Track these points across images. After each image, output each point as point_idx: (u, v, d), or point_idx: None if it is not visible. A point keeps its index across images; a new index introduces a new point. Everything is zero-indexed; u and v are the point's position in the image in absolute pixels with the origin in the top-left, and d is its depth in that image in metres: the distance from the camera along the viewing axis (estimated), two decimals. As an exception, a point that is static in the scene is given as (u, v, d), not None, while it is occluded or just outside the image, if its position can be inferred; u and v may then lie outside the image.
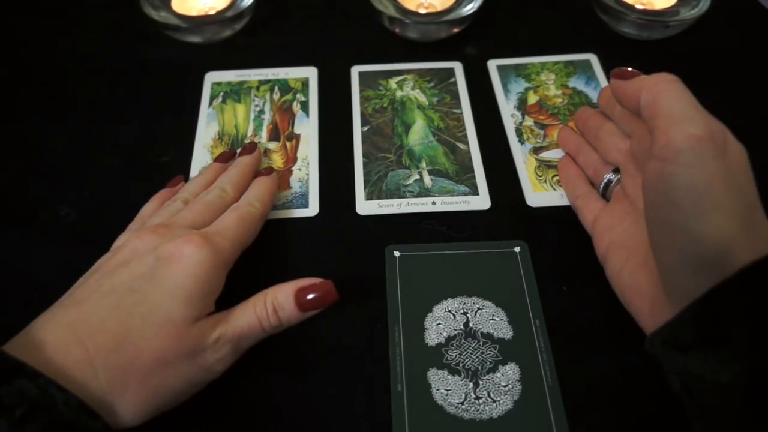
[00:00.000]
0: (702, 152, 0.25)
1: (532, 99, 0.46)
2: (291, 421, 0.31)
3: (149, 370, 0.27)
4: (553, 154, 0.42)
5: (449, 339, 0.33)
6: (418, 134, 0.44)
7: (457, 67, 0.49)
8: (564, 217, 0.39)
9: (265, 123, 0.45)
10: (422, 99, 0.46)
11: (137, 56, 0.49)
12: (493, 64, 0.49)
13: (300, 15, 0.53)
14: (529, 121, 0.45)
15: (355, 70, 0.48)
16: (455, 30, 0.49)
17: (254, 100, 0.46)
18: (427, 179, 0.41)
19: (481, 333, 0.34)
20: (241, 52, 0.50)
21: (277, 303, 0.31)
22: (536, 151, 0.43)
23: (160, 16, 0.48)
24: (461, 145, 0.43)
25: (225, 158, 0.40)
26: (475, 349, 0.33)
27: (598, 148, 0.38)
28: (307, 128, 0.45)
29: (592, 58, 0.49)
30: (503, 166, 0.42)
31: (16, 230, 0.38)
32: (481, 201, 0.40)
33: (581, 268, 0.36)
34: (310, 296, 0.31)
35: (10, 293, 0.35)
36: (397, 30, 0.49)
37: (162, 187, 0.39)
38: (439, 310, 0.34)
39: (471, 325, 0.34)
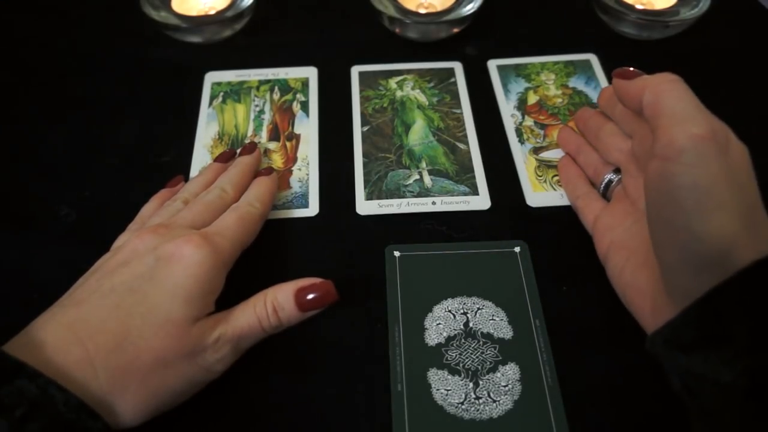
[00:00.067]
0: (704, 152, 0.25)
1: (532, 99, 0.46)
2: (291, 421, 0.31)
3: (149, 370, 0.27)
4: (553, 154, 0.42)
5: (449, 339, 0.33)
6: (418, 134, 0.44)
7: (457, 67, 0.49)
8: (564, 217, 0.39)
9: (265, 123, 0.45)
10: (422, 99, 0.46)
11: (137, 56, 0.49)
12: (493, 64, 0.49)
13: (300, 15, 0.53)
14: (529, 121, 0.45)
15: (355, 70, 0.48)
16: (455, 30, 0.49)
17: (254, 100, 0.46)
18: (427, 179, 0.41)
19: (481, 333, 0.33)
20: (241, 52, 0.50)
21: (277, 303, 0.31)
22: (536, 151, 0.43)
23: (160, 16, 0.48)
24: (461, 145, 0.43)
25: (225, 158, 0.40)
26: (475, 349, 0.33)
27: (598, 148, 0.38)
28: (307, 128, 0.45)
29: (592, 58, 0.49)
30: (503, 166, 0.42)
31: (16, 230, 0.38)
32: (481, 201, 0.40)
33: (581, 268, 0.36)
34: (310, 296, 0.31)
35: (10, 293, 0.35)
36: (397, 30, 0.49)
37: (162, 187, 0.39)
38: (439, 310, 0.34)
39: (471, 325, 0.34)
